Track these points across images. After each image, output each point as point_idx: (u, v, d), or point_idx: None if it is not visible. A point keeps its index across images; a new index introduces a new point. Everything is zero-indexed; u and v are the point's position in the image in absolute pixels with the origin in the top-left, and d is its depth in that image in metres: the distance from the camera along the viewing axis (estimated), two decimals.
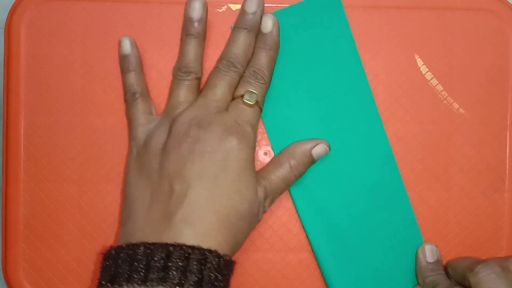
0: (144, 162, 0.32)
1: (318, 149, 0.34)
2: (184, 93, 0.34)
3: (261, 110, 0.34)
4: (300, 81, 0.36)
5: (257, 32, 0.34)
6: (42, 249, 0.36)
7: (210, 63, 0.36)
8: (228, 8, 0.36)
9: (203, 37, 0.35)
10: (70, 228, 0.36)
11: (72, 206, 0.36)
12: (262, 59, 0.34)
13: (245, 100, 0.33)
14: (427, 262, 0.35)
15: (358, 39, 0.36)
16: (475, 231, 0.37)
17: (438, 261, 0.35)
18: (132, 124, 0.34)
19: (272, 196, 0.33)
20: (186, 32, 0.34)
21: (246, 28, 0.34)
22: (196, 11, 0.34)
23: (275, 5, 0.36)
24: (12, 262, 0.36)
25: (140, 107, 0.34)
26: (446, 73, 0.37)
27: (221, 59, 0.34)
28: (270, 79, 0.34)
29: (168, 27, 0.36)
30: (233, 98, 0.34)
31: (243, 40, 0.34)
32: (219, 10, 0.36)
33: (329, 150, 0.35)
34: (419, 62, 0.37)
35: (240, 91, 0.33)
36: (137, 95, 0.34)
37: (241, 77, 0.34)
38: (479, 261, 0.32)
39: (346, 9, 0.36)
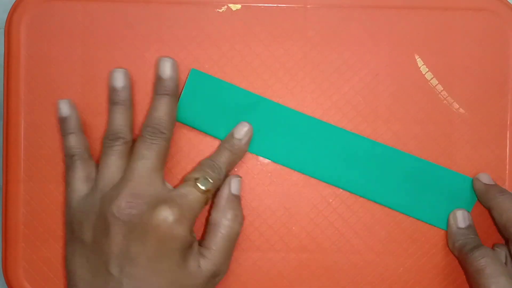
0: (77, 236, 0.32)
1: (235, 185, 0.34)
2: (114, 161, 0.33)
3: (207, 203, 0.33)
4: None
5: (178, 96, 0.35)
6: (42, 249, 0.36)
7: (211, 63, 0.36)
8: (228, 8, 0.36)
9: (129, 103, 0.34)
10: None
11: None
12: (224, 157, 0.34)
13: (198, 184, 0.32)
14: (458, 228, 0.35)
15: (358, 39, 0.36)
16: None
17: (469, 226, 0.35)
18: (67, 189, 0.34)
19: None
20: (111, 101, 0.34)
21: (168, 94, 0.34)
22: (119, 80, 0.34)
23: (274, 5, 0.36)
24: (12, 262, 0.36)
25: (77, 172, 0.33)
26: (446, 73, 0.37)
27: (145, 126, 0.33)
28: (222, 181, 0.34)
29: (168, 27, 0.36)
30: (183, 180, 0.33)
31: (165, 104, 0.33)
32: (219, 10, 0.36)
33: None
34: (419, 62, 0.37)
35: (195, 174, 0.33)
36: (76, 158, 0.34)
37: (169, 142, 0.33)
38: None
39: (346, 9, 0.36)
